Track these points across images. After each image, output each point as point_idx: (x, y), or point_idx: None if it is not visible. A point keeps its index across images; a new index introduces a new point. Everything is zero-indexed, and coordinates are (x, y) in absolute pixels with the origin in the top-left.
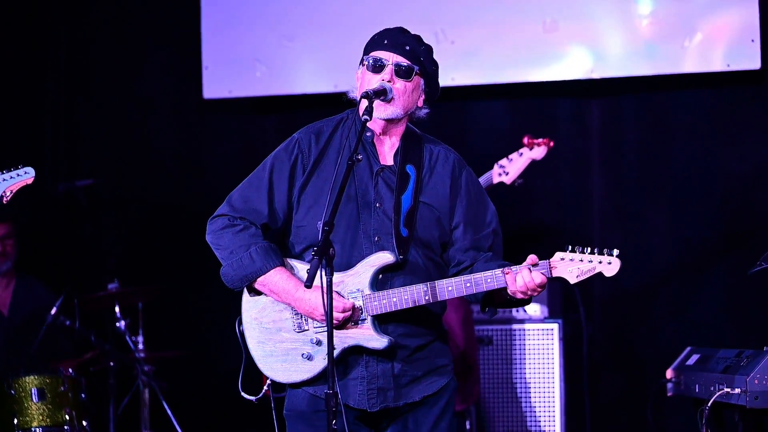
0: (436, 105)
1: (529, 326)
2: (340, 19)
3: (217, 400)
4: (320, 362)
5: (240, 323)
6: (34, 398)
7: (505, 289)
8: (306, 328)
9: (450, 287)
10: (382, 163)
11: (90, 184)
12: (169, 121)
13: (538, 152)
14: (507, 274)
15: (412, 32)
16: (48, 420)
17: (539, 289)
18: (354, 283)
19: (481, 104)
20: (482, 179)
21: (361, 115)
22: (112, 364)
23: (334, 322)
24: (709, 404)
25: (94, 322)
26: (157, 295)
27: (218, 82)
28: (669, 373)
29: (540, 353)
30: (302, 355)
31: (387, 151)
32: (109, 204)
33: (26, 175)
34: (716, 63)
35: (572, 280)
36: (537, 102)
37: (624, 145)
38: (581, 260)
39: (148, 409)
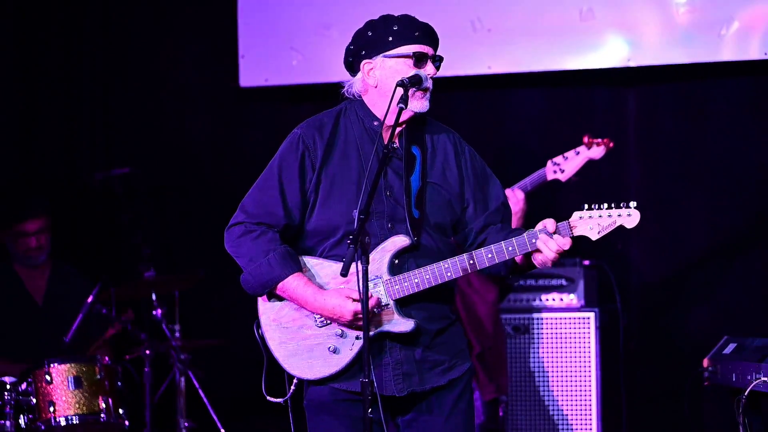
0: (472, 93)
1: (566, 315)
2: (375, 7)
3: (254, 389)
4: (347, 353)
5: (258, 327)
6: (71, 386)
7: (528, 256)
8: (328, 322)
9: (471, 261)
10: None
11: (126, 172)
12: (206, 110)
13: (597, 152)
14: (531, 240)
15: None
16: (84, 408)
17: (562, 250)
18: (372, 270)
19: (517, 93)
20: (535, 176)
21: (396, 104)
22: (148, 352)
23: (347, 321)
24: (746, 393)
25: (131, 310)
26: (193, 284)
27: (254, 71)
28: (705, 362)
29: (576, 342)
30: (329, 348)
31: (394, 137)
32: (146, 192)
33: None
34: (753, 51)
35: (594, 237)
36: (573, 90)
37: (660, 134)
38: (600, 216)
39: (184, 397)
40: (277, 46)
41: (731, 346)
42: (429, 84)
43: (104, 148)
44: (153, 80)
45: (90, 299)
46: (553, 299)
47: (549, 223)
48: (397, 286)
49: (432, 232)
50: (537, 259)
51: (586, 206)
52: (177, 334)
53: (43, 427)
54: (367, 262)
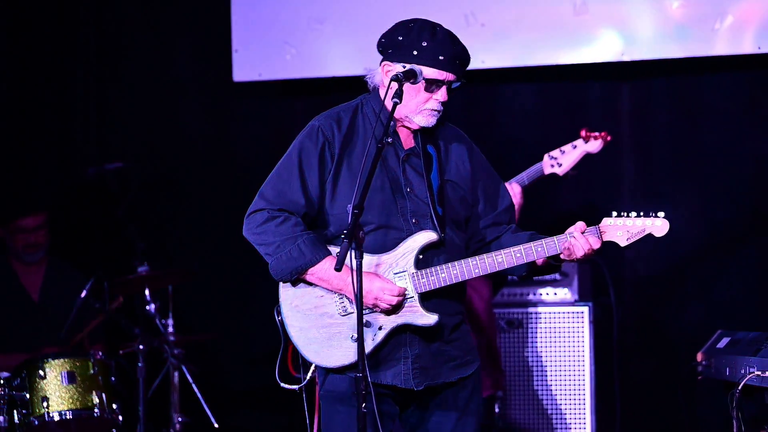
0: (466, 88)
1: (559, 309)
2: (369, 2)
3: (247, 383)
4: (368, 343)
5: (279, 312)
6: (65, 381)
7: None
8: (351, 311)
9: (500, 258)
10: (405, 148)
11: (120, 167)
12: (199, 104)
13: (595, 146)
14: (561, 241)
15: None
16: (78, 403)
17: (593, 253)
18: (398, 263)
19: (511, 87)
20: (532, 170)
21: (391, 98)
22: (141, 347)
23: (388, 306)
24: (740, 387)
25: (124, 305)
26: (187, 279)
27: (248, 65)
28: (699, 356)
29: (570, 336)
30: (351, 337)
31: (408, 136)
32: (139, 187)
33: None
34: (747, 45)
35: (622, 243)
36: (567, 85)
37: (654, 128)
38: (630, 223)
39: (177, 392)
40: (270, 40)
41: (725, 340)
42: (436, 106)
43: (98, 143)
44: (146, 75)
45: (83, 294)
46: (547, 293)
47: (580, 225)
48: (423, 280)
49: (454, 227)
50: (564, 255)
51: (615, 213)
52: (170, 329)
53: (36, 423)
54: (361, 257)
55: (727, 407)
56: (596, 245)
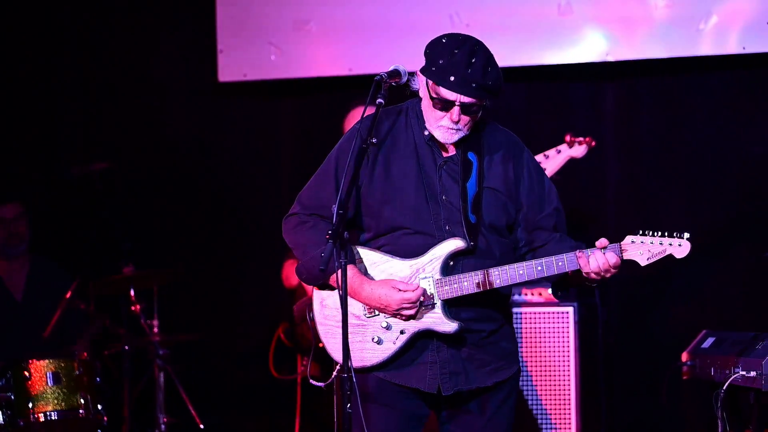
0: None
1: (545, 309)
2: (354, 3)
3: (232, 384)
4: (390, 345)
5: (310, 310)
6: (50, 382)
7: (578, 271)
8: (376, 313)
9: (521, 271)
10: (444, 156)
11: (105, 167)
12: (184, 105)
13: (579, 151)
14: (580, 257)
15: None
16: (63, 404)
17: (613, 270)
18: (426, 269)
19: None
20: None
21: (369, 96)
22: (127, 347)
23: (408, 313)
24: (725, 387)
25: (110, 305)
26: (172, 279)
27: (233, 66)
28: (684, 356)
29: (555, 336)
30: (372, 339)
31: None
32: (124, 187)
33: None
34: (731, 46)
35: (643, 263)
36: (552, 85)
37: (639, 129)
38: (651, 243)
39: (163, 392)
40: (255, 41)
41: (710, 340)
42: (450, 125)
43: (83, 143)
44: (132, 75)
45: (68, 295)
46: (532, 294)
47: (601, 242)
48: (446, 287)
49: (488, 234)
50: (584, 271)
51: (641, 231)
52: (156, 330)
53: (22, 423)
54: (346, 257)
55: (712, 407)
56: (614, 262)
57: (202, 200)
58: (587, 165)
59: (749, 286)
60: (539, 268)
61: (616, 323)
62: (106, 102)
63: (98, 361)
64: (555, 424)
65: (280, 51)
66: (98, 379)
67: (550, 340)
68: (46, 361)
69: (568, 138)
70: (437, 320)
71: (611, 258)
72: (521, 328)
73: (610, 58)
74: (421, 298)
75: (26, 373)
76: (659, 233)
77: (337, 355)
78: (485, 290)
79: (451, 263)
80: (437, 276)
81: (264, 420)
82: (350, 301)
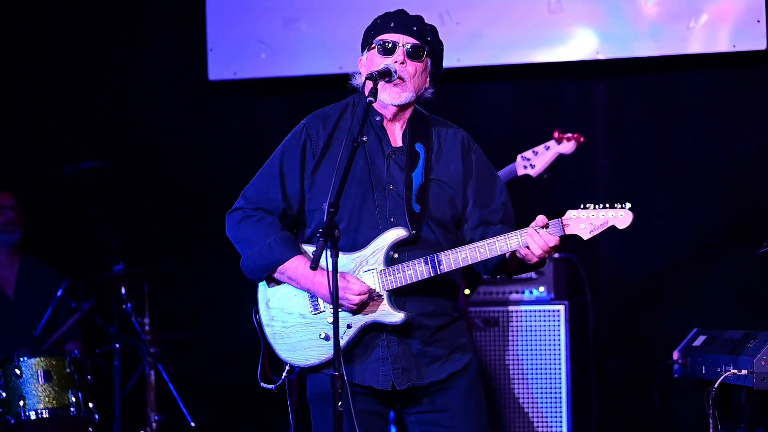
0: (441, 86)
1: (535, 308)
2: (344, 1)
3: (223, 382)
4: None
5: (256, 312)
6: (41, 380)
7: (516, 254)
8: (322, 309)
9: (464, 254)
10: (393, 145)
11: (95, 166)
12: (174, 103)
13: (568, 147)
14: (525, 234)
15: (416, 14)
16: (54, 402)
17: (552, 250)
18: (368, 261)
19: (486, 85)
20: (505, 171)
21: (366, 96)
22: (117, 345)
23: (352, 305)
24: (716, 386)
25: (101, 304)
26: (163, 277)
27: (223, 64)
28: (675, 355)
29: (546, 335)
30: (320, 336)
31: (397, 133)
32: (115, 186)
33: None
34: (722, 44)
35: (585, 236)
36: (542, 83)
37: (629, 127)
38: (593, 216)
39: (153, 391)
40: (245, 39)
41: (701, 339)
42: (402, 74)
43: (72, 142)
44: (121, 73)
45: (59, 293)
46: (523, 292)
47: (540, 220)
48: (390, 277)
49: (434, 226)
50: (520, 253)
51: (582, 205)
52: (147, 328)
53: (12, 421)
54: (337, 255)
55: (704, 406)
56: (551, 243)
57: (193, 198)
58: (577, 162)
59: (740, 284)
60: (482, 250)
61: (607, 322)
62: (96, 100)
63: (89, 360)
64: (546, 422)
65: (270, 49)
66: (89, 377)
67: (541, 339)
68: (37, 359)
69: (556, 134)
70: (383, 312)
71: (547, 238)
72: (513, 326)
73: (601, 56)
74: (365, 296)
75: (17, 371)
76: (600, 205)
77: (285, 356)
78: (434, 278)
79: (396, 255)
80: (381, 267)
81: (257, 418)
82: (296, 299)
